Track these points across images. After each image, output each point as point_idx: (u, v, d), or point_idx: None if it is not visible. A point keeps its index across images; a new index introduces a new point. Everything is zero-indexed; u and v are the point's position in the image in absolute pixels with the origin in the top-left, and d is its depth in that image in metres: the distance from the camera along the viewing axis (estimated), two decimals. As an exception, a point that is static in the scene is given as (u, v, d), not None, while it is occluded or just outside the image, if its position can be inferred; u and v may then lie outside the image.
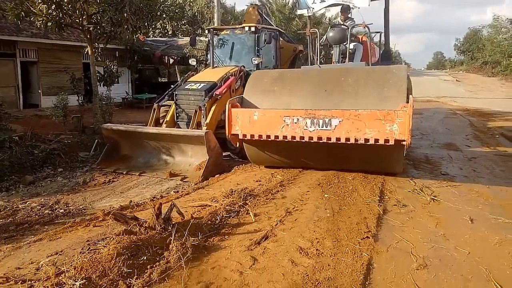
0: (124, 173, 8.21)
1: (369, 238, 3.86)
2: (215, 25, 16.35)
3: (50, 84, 16.89)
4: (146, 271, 3.21)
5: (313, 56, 8.86)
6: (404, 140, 4.88)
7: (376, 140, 5.02)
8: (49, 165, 10.20)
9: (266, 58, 10.22)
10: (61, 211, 6.12)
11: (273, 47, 10.65)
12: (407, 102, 5.07)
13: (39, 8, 10.97)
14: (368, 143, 5.05)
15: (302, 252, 3.58)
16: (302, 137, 5.41)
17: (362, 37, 9.20)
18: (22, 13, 11.10)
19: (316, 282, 3.07)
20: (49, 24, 11.16)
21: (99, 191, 7.31)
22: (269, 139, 5.68)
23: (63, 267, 3.33)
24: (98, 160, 9.14)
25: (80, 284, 2.94)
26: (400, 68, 6.01)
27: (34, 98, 17.00)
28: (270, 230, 4.08)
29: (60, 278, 3.08)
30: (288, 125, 5.49)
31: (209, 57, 10.52)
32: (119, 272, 3.13)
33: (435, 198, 5.14)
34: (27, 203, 6.72)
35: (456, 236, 3.96)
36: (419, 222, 4.36)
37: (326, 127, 5.25)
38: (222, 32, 10.61)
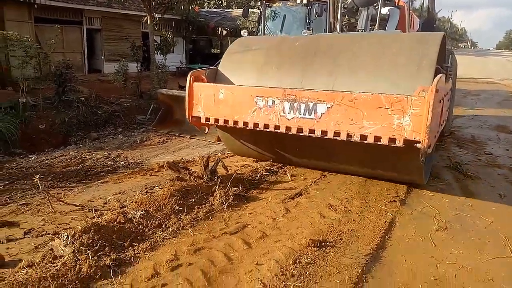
0: (177, 135, 8.92)
1: (396, 202, 4.14)
2: (269, -3, 16.42)
3: (112, 51, 18.04)
4: (193, 210, 3.77)
5: (334, 22, 7.19)
6: (419, 142, 3.29)
7: (377, 139, 3.48)
8: (110, 125, 11.25)
9: (316, 31, 10.32)
10: (121, 163, 6.90)
11: (324, 20, 10.69)
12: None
13: (105, -22, 11.78)
14: (366, 142, 3.53)
15: (331, 208, 3.96)
16: (277, 127, 3.98)
17: (399, 0, 7.85)
18: (90, -17, 11.98)
19: (340, 232, 3.45)
20: (113, -7, 11.97)
21: (154, 149, 8.07)
22: (237, 126, 4.29)
23: (126, 202, 3.98)
24: (153, 122, 9.94)
25: (140, 214, 3.54)
26: (430, 37, 4.22)
27: (97, 63, 18.28)
28: (304, 189, 4.49)
29: (124, 209, 3.71)
30: (260, 108, 4.07)
31: (260, 28, 10.80)
32: (172, 208, 3.72)
33: (472, 174, 5.23)
34: (93, 154, 7.61)
35: (482, 207, 4.13)
36: (449, 193, 4.55)
37: (309, 115, 3.79)
38: (275, 4, 10.79)
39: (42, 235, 3.37)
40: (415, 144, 3.32)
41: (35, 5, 13.76)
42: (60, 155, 7.90)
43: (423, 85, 3.38)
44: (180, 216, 3.64)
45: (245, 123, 4.22)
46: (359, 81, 4.03)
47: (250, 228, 3.48)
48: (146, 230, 3.38)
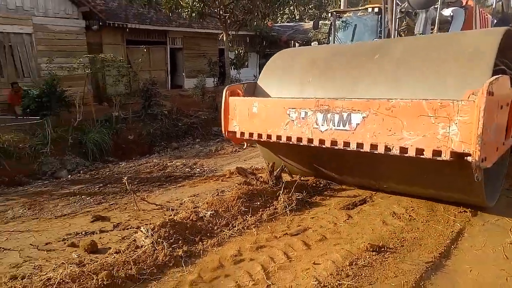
0: (248, 145, 9.36)
1: (467, 212, 3.96)
2: (341, 8, 16.44)
3: (192, 68, 19.42)
4: (258, 212, 4.02)
5: (390, 27, 6.64)
6: (469, 154, 2.88)
7: (419, 151, 3.11)
8: (189, 136, 12.14)
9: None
10: (197, 170, 7.47)
11: (396, 28, 10.44)
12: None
13: (186, 1, 12.92)
14: (406, 155, 3.18)
15: (395, 216, 3.93)
16: (310, 140, 3.76)
17: (468, 0, 7.26)
18: (173, 6, 13.23)
19: (402, 239, 3.43)
20: (193, 14, 13.07)
21: (227, 158, 8.57)
22: (270, 140, 4.14)
23: (199, 203, 4.37)
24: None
25: (210, 213, 3.89)
26: (485, 35, 3.72)
27: (179, 79, 19.79)
28: (369, 196, 4.49)
29: (196, 209, 4.10)
30: (293, 121, 3.88)
31: (331, 39, 10.89)
32: (238, 210, 4.01)
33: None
34: (173, 162, 8.34)
35: None
36: (530, 205, 4.21)
37: (343, 126, 3.51)
38: (345, 15, 10.84)
39: (127, 228, 3.88)
40: (465, 158, 2.90)
41: (127, 29, 15.45)
42: (145, 162, 8.78)
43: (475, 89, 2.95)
44: (246, 217, 3.91)
45: (278, 137, 4.03)
46: (400, 90, 3.65)
47: (310, 231, 3.62)
48: (215, 228, 3.71)
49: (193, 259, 3.16)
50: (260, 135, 4.25)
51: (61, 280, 2.70)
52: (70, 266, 2.96)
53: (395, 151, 3.22)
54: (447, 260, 3.11)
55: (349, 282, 2.71)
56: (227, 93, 4.60)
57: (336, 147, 3.57)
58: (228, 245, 3.38)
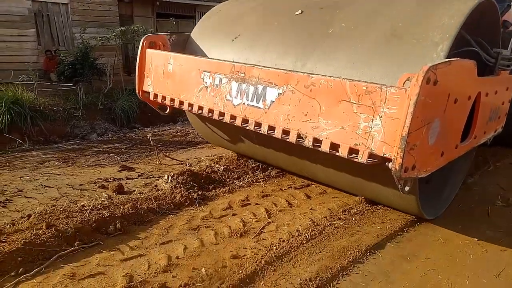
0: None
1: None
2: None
3: (218, 44, 19.69)
4: (267, 170, 4.40)
5: None
6: (390, 159, 2.21)
7: (334, 147, 2.46)
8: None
9: None
10: (217, 137, 7.92)
11: None
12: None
13: (215, -24, 13.09)
14: (320, 149, 2.52)
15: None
16: (222, 114, 3.14)
17: None
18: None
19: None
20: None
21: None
22: (183, 108, 3.56)
23: (214, 161, 4.79)
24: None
25: (223, 168, 4.30)
26: (454, 2, 2.76)
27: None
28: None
29: (212, 164, 4.51)
30: (207, 87, 3.24)
31: None
32: (249, 167, 4.40)
33: None
34: (194, 130, 8.81)
35: None
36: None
37: (257, 102, 2.86)
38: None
39: (150, 177, 4.35)
40: (386, 163, 2.23)
41: (157, 2, 15.84)
42: (169, 128, 9.30)
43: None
44: (256, 173, 4.30)
45: (190, 105, 3.40)
46: (339, 66, 2.88)
47: (313, 186, 3.98)
48: (227, 180, 4.12)
49: (206, 201, 3.59)
50: (172, 100, 3.62)
51: (94, 207, 3.19)
52: (101, 199, 3.45)
53: (308, 143, 2.56)
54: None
55: (339, 223, 3.07)
56: (144, 43, 3.83)
57: (247, 127, 2.95)
58: (237, 193, 3.79)
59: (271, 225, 3.12)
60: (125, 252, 2.73)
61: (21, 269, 2.43)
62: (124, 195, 3.69)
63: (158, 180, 4.07)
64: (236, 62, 3.11)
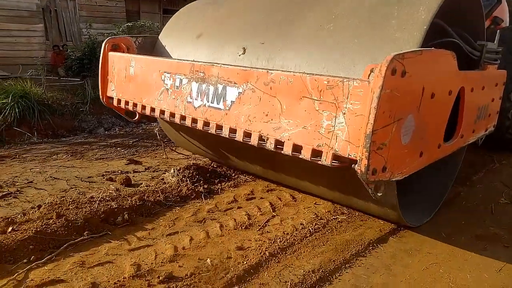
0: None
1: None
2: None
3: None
4: (272, 164, 4.44)
5: None
6: (355, 161, 1.97)
7: (297, 149, 2.23)
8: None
9: None
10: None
11: None
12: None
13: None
14: (282, 152, 2.30)
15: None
16: (183, 117, 2.95)
17: None
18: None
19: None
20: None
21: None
22: (146, 113, 3.35)
23: (220, 155, 4.83)
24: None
25: (229, 163, 4.36)
26: None
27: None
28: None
29: (218, 159, 4.57)
30: (168, 89, 3.06)
31: None
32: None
33: None
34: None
35: None
36: None
37: (217, 103, 2.67)
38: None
39: (157, 171, 4.42)
40: (352, 165, 1.98)
41: (164, -1, 15.93)
42: (174, 124, 9.38)
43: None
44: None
45: (152, 109, 3.23)
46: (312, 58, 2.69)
47: (318, 181, 4.02)
48: (233, 174, 4.18)
49: (212, 194, 3.65)
50: (135, 105, 3.42)
51: (102, 199, 3.26)
52: (109, 191, 3.52)
53: (270, 145, 2.35)
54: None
55: (343, 217, 3.12)
56: (106, 46, 3.66)
57: (209, 131, 2.76)
58: (243, 187, 3.85)
59: (275, 219, 3.18)
60: (133, 242, 2.80)
61: (33, 256, 2.51)
62: (131, 188, 3.76)
63: (165, 173, 4.14)
64: (196, 61, 2.88)
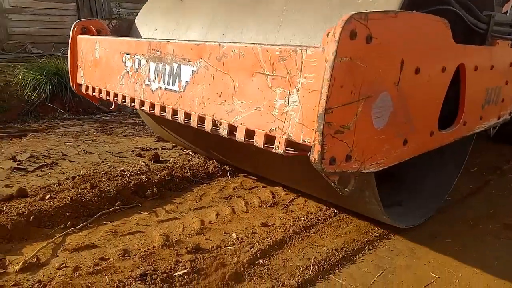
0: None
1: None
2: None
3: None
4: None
5: None
6: (309, 146, 1.59)
7: (249, 134, 1.91)
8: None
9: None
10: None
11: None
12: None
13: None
14: (236, 138, 1.98)
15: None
16: (142, 102, 2.68)
17: None
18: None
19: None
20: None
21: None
22: (110, 99, 3.09)
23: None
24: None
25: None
26: None
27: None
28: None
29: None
30: (128, 72, 2.79)
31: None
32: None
33: None
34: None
35: None
36: None
37: (172, 85, 2.38)
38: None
39: (183, 149, 4.52)
40: (308, 153, 1.61)
41: None
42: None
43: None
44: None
45: (115, 95, 2.96)
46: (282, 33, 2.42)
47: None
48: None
49: (237, 173, 3.71)
50: (100, 91, 3.18)
51: (133, 172, 3.38)
52: (139, 165, 3.64)
53: (223, 131, 2.02)
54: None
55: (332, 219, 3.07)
56: (75, 29, 3.36)
57: (165, 116, 2.47)
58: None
59: (299, 199, 3.22)
60: (161, 214, 2.91)
61: (69, 223, 2.65)
62: (160, 164, 3.88)
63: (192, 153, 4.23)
64: (153, 39, 2.61)
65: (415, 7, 1.97)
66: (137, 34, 3.56)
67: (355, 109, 1.57)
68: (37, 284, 2.05)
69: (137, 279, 2.10)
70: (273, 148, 1.77)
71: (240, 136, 1.93)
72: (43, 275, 2.13)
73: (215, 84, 2.07)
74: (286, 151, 1.71)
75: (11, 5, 10.97)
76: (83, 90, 3.42)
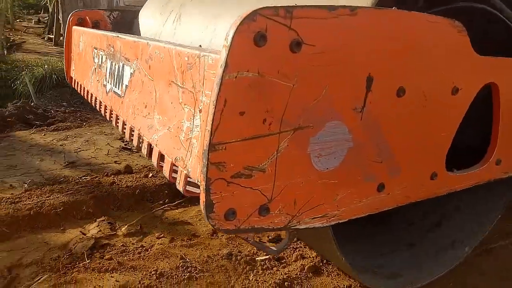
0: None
1: None
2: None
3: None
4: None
5: None
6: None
7: (162, 159, 1.46)
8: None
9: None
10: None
11: None
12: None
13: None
14: (152, 162, 1.57)
15: None
16: (100, 104, 2.42)
17: None
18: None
19: None
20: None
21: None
22: (86, 98, 2.81)
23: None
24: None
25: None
26: None
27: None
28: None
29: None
30: (95, 69, 2.51)
31: None
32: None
33: None
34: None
35: None
36: None
37: (117, 87, 2.05)
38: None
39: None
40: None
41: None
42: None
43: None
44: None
45: (87, 93, 2.71)
46: None
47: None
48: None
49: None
50: (81, 87, 2.93)
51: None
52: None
53: (144, 150, 1.67)
54: None
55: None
56: (71, 20, 3.13)
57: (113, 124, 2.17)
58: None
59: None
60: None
61: (167, 199, 2.97)
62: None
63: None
64: (114, 33, 2.22)
65: (428, 3, 1.55)
66: (138, 28, 3.24)
67: (273, 145, 1.08)
68: (140, 248, 2.35)
69: (223, 257, 2.30)
70: (174, 180, 1.35)
71: (154, 160, 1.53)
72: (145, 242, 2.43)
73: (144, 92, 1.65)
74: (187, 190, 1.30)
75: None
76: (73, 84, 3.17)
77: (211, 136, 0.98)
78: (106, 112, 2.27)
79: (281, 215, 1.18)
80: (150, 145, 1.59)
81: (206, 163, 0.99)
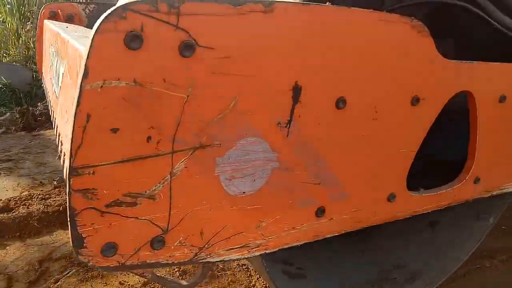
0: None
1: None
2: None
3: None
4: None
5: None
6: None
7: None
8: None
9: None
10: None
11: None
12: None
13: None
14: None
15: None
16: (50, 104, 2.07)
17: None
18: None
19: None
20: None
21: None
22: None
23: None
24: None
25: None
26: None
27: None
28: None
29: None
30: (50, 66, 2.22)
31: None
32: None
33: None
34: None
35: None
36: None
37: (57, 88, 1.65)
38: None
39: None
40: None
41: None
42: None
43: None
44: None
45: (47, 92, 2.35)
46: None
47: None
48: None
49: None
50: (44, 86, 2.58)
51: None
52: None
53: (61, 163, 1.39)
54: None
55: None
56: (42, 13, 2.86)
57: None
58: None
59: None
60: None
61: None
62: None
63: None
64: (60, 28, 1.96)
65: None
66: None
67: (165, 167, 0.91)
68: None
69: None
70: None
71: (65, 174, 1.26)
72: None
73: (66, 95, 1.36)
74: None
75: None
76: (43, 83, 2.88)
77: (71, 158, 0.80)
78: (55, 114, 1.75)
79: (184, 248, 1.00)
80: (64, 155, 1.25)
81: (68, 190, 0.81)
